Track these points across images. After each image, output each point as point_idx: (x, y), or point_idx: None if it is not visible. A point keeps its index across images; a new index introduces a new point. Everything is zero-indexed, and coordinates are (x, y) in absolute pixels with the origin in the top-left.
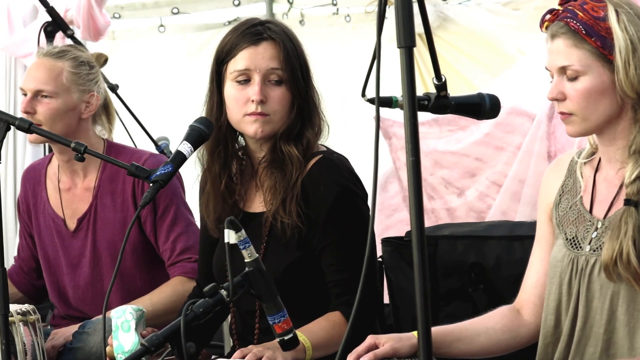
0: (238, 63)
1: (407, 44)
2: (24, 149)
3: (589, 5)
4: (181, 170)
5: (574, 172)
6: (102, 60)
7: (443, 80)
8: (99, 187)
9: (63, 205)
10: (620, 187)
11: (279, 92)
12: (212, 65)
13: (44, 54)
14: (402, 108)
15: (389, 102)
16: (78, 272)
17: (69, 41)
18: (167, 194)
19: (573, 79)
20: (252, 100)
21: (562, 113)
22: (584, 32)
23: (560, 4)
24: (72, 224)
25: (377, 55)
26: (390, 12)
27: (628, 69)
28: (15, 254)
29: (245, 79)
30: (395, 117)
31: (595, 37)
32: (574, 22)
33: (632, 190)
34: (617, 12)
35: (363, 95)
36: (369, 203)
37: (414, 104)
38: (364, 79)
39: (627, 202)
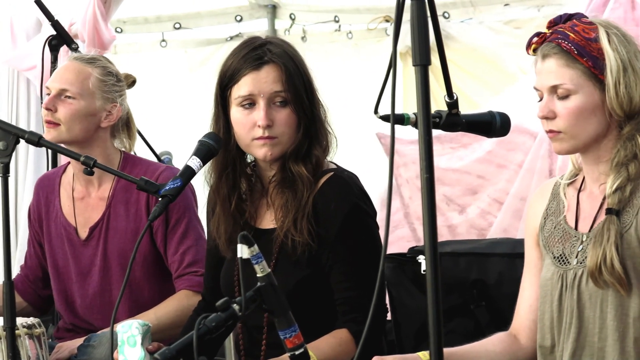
0: (241, 89)
1: (422, 62)
2: (25, 162)
3: (579, 27)
4: (195, 186)
5: (558, 195)
6: (130, 81)
7: (455, 98)
8: (113, 196)
9: (76, 213)
10: (603, 201)
11: (284, 113)
12: (216, 89)
13: (75, 58)
14: (413, 125)
15: (401, 120)
16: (87, 281)
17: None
18: (180, 207)
19: (564, 97)
20: (259, 125)
21: (550, 131)
22: (575, 52)
23: (548, 27)
24: (83, 233)
25: (393, 66)
26: (392, 30)
27: (618, 88)
28: (16, 264)
29: (250, 103)
30: (397, 133)
31: (587, 57)
32: (566, 42)
33: (613, 200)
34: (607, 33)
35: (376, 112)
36: (380, 218)
37: (429, 121)
38: (377, 96)
39: (609, 211)
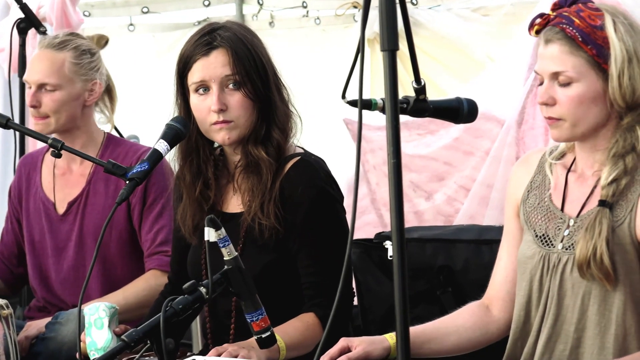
0: (194, 75)
1: (390, 47)
2: None
3: (585, 13)
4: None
5: (544, 169)
6: (103, 42)
7: (422, 83)
8: (94, 173)
9: (55, 189)
10: (594, 187)
11: (238, 97)
12: (175, 77)
13: (45, 46)
14: (381, 111)
15: (368, 105)
16: (63, 256)
17: (40, 38)
18: (158, 186)
19: (565, 84)
20: (213, 110)
21: (550, 118)
22: (580, 39)
23: (552, 10)
24: (61, 208)
25: (360, 51)
26: (360, 16)
27: (622, 78)
28: None
29: (204, 88)
30: (365, 119)
31: (591, 45)
32: (571, 28)
33: (607, 192)
34: (614, 21)
35: (343, 97)
36: (346, 204)
37: (397, 107)
38: (345, 81)
39: (602, 203)
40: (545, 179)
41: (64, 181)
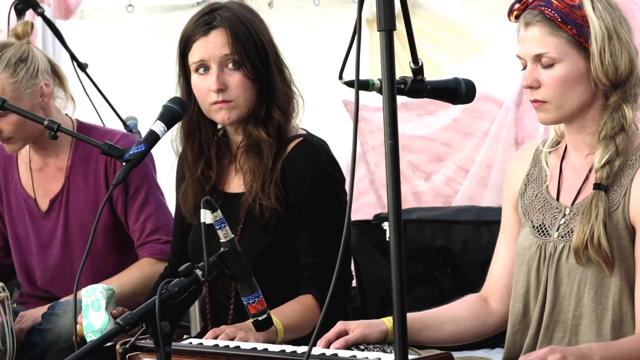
0: (194, 55)
1: (387, 27)
2: None
3: None
4: (155, 153)
5: (539, 162)
6: (30, 29)
7: (420, 64)
8: (72, 167)
9: (35, 185)
10: (588, 173)
11: (237, 77)
12: (177, 57)
13: None
14: (378, 91)
15: (365, 86)
16: (48, 253)
17: (39, 19)
18: (138, 174)
19: (548, 66)
20: (212, 90)
21: (535, 101)
22: (559, 20)
23: None
24: (44, 205)
25: (357, 33)
26: None
27: (603, 56)
28: None
29: (205, 68)
30: (363, 100)
31: (571, 25)
32: (549, 10)
33: (601, 175)
34: (592, 0)
35: (340, 77)
36: (347, 186)
37: (393, 88)
38: (342, 62)
39: (597, 186)
40: (542, 172)
41: (42, 176)
